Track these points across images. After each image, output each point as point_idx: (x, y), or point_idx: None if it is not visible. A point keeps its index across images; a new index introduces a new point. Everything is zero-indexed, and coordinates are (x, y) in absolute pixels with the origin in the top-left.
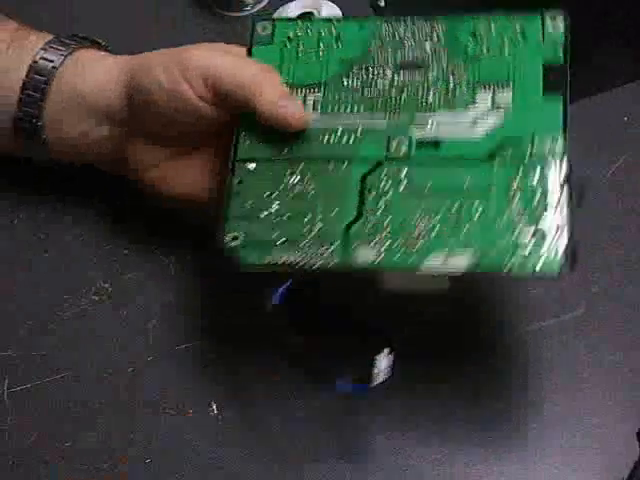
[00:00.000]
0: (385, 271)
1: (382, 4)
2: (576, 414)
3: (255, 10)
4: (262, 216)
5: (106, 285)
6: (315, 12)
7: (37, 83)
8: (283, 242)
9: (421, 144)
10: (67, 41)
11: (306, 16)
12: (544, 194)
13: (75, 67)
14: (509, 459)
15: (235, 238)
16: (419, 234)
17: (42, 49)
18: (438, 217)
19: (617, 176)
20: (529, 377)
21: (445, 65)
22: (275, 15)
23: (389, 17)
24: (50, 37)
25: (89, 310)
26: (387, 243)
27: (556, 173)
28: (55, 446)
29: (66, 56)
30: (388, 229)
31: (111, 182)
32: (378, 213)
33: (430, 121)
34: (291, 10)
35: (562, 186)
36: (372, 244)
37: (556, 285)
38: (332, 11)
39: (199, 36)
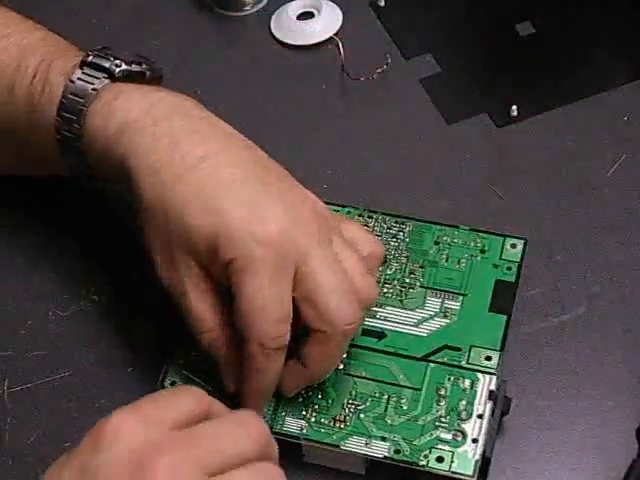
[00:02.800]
0: (307, 443)
1: (382, 4)
2: (576, 414)
3: (255, 10)
4: (204, 367)
5: (106, 285)
6: (315, 12)
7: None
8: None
9: (367, 332)
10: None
11: (306, 16)
12: (470, 404)
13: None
14: (509, 459)
15: (173, 384)
16: (345, 416)
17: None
18: (367, 403)
19: (617, 176)
20: (529, 377)
21: (404, 265)
22: (275, 15)
23: (363, 210)
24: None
25: (89, 310)
26: (314, 418)
27: (484, 388)
28: (55, 446)
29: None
30: (318, 405)
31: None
32: (312, 388)
33: (379, 315)
34: (291, 10)
35: (487, 401)
36: (300, 416)
37: (556, 285)
38: (332, 11)
39: (199, 36)
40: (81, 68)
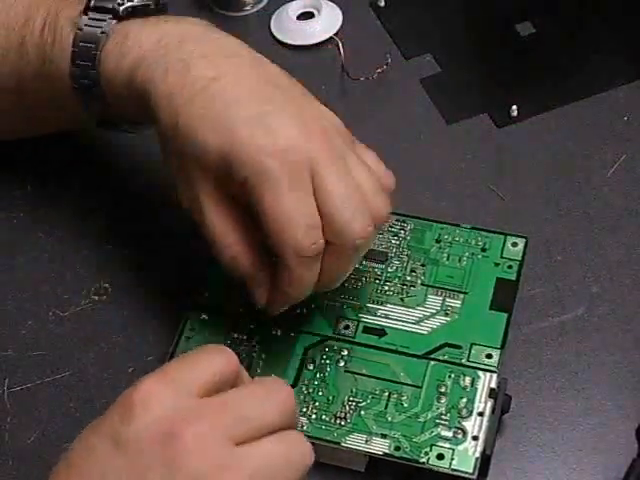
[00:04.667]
0: (308, 440)
1: (382, 4)
2: (576, 414)
3: (255, 10)
4: None
5: (106, 285)
6: (315, 12)
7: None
8: None
9: (368, 329)
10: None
11: (306, 16)
12: (470, 401)
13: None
14: (509, 458)
15: None
16: (346, 413)
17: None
18: (367, 400)
19: (617, 176)
20: (529, 377)
21: (405, 263)
22: (275, 15)
23: None
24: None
25: (89, 310)
26: (314, 415)
27: (485, 386)
28: (55, 446)
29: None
30: (318, 402)
31: (112, 182)
32: (312, 385)
33: (380, 312)
34: (291, 10)
35: (487, 399)
36: (301, 413)
37: (556, 285)
38: (332, 11)
39: None
40: (86, 14)
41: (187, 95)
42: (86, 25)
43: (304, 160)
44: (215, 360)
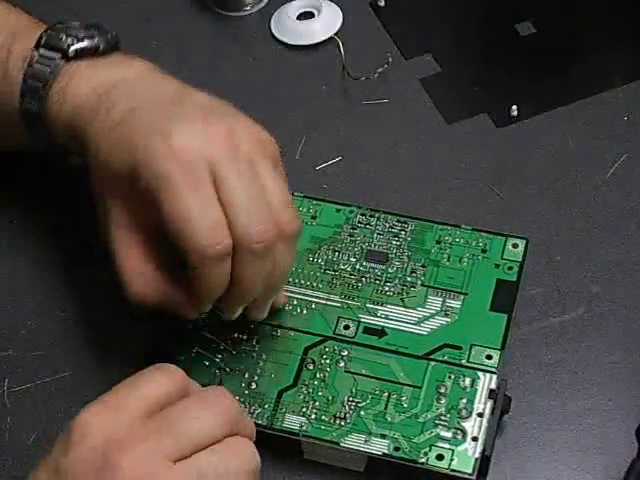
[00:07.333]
0: (307, 440)
1: (382, 4)
2: (576, 414)
3: (255, 10)
4: (205, 363)
5: (106, 285)
6: (315, 12)
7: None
8: None
9: (368, 330)
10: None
11: (306, 16)
12: (470, 402)
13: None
14: (509, 458)
15: None
16: (345, 413)
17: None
18: (367, 401)
19: (617, 176)
20: (529, 377)
21: (406, 264)
22: (275, 15)
23: (366, 209)
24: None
25: (89, 310)
26: (314, 414)
27: (484, 386)
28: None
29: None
30: (318, 402)
31: None
32: (312, 385)
33: (380, 313)
34: (291, 10)
35: (487, 400)
36: (300, 413)
37: (556, 285)
38: (332, 11)
39: (199, 36)
40: (37, 49)
41: (108, 128)
42: (36, 62)
43: (200, 160)
44: (158, 380)
